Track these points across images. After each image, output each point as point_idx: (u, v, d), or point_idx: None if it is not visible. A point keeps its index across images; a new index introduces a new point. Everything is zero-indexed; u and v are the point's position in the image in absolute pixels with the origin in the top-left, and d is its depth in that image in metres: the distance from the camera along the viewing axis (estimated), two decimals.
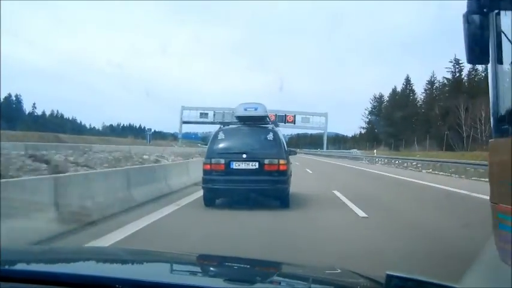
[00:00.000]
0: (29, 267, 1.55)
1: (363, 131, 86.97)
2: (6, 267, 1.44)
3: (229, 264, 1.99)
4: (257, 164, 8.63)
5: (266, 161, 8.64)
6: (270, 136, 8.89)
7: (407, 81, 76.32)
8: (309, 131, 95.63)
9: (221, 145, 8.89)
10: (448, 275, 3.69)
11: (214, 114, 77.18)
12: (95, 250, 3.11)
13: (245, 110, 9.16)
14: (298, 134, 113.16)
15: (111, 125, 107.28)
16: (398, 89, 77.61)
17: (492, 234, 2.16)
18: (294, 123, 68.69)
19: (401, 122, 68.38)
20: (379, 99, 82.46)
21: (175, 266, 1.83)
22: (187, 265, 1.91)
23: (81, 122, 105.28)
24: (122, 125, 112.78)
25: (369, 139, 76.18)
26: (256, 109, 9.16)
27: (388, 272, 1.27)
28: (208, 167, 8.76)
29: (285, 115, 65.92)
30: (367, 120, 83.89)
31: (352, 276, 1.67)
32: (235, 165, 8.65)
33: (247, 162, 8.64)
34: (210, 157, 8.78)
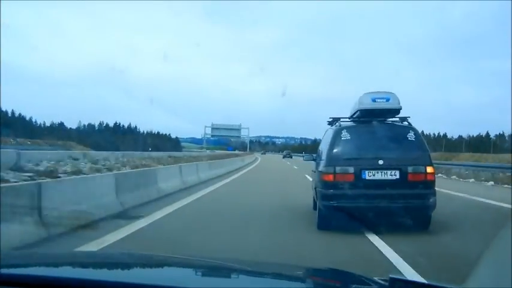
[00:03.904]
0: (23, 271, 1.52)
1: None
2: (1, 271, 1.43)
3: (225, 267, 1.88)
4: (397, 173, 6.41)
5: (409, 169, 6.41)
6: (411, 135, 6.64)
7: None
8: None
9: (347, 148, 6.63)
10: None
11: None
12: (89, 254, 3.11)
13: (373, 101, 6.87)
14: None
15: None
16: None
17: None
18: None
19: None
20: None
21: (169, 269, 1.82)
22: (180, 268, 1.86)
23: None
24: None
25: None
26: (387, 100, 6.88)
27: (391, 275, 1.28)
28: (330, 177, 6.47)
29: None
30: None
31: (356, 279, 1.64)
32: (368, 175, 6.41)
33: (385, 171, 6.41)
34: (333, 164, 6.50)
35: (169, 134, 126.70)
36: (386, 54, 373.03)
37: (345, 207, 6.38)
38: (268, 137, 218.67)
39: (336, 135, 6.70)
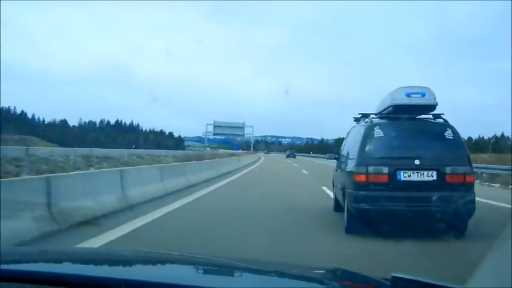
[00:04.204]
0: (26, 267, 1.52)
1: None
2: (3, 266, 1.42)
3: (227, 264, 1.89)
4: (435, 173, 5.94)
5: (448, 170, 5.94)
6: (448, 133, 6.16)
7: None
8: None
9: (381, 146, 6.15)
10: None
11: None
12: (90, 251, 3.07)
13: (408, 96, 6.37)
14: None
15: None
16: None
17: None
18: None
19: None
20: None
21: (171, 267, 1.80)
22: (183, 266, 1.85)
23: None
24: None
25: None
26: (423, 95, 6.39)
27: (394, 274, 1.27)
28: (362, 177, 6.00)
29: None
30: None
31: (358, 278, 1.64)
32: (403, 176, 5.94)
33: (421, 172, 5.94)
34: (366, 163, 6.02)
35: (171, 133, 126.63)
36: (389, 55, 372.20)
37: (378, 210, 5.93)
38: (274, 136, 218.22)
39: (368, 133, 6.21)
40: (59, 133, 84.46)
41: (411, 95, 6.36)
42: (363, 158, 6.08)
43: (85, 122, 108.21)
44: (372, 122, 6.47)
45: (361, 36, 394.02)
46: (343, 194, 6.68)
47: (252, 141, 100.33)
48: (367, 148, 6.13)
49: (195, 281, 1.52)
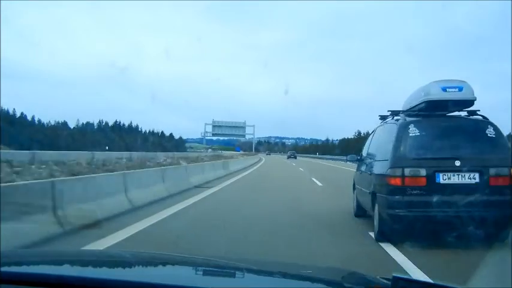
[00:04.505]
0: (29, 269, 1.53)
1: None
2: (6, 269, 1.40)
3: (232, 265, 1.88)
4: (477, 176, 5.42)
5: (492, 171, 5.42)
6: (490, 131, 5.64)
7: None
8: None
9: (417, 146, 5.62)
10: None
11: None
12: (94, 253, 3.08)
13: (444, 90, 5.80)
14: None
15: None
16: None
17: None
18: None
19: None
20: None
21: (175, 268, 1.80)
22: (189, 267, 1.85)
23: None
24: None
25: None
26: (460, 89, 5.83)
27: (394, 274, 1.28)
28: (398, 181, 5.46)
29: None
30: None
31: (358, 278, 1.61)
32: (442, 179, 5.41)
33: (462, 174, 5.41)
34: (401, 165, 5.49)
35: (170, 134, 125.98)
36: (392, 55, 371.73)
37: (415, 216, 5.39)
38: (277, 137, 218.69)
39: (403, 131, 5.66)
40: (59, 135, 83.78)
41: (447, 90, 5.80)
42: (398, 160, 5.54)
43: (83, 124, 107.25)
44: (405, 119, 5.91)
45: (364, 36, 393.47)
46: (373, 199, 6.15)
47: (254, 142, 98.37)
48: (401, 148, 5.59)
49: (199, 283, 1.52)
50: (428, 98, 5.89)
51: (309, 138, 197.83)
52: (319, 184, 16.47)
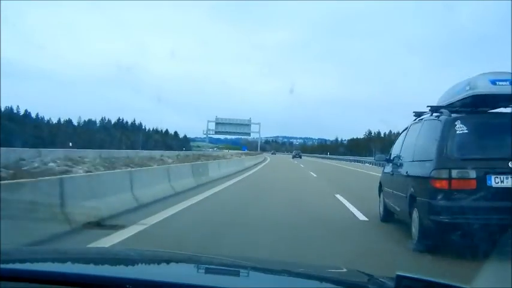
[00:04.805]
0: (34, 267, 1.51)
1: None
2: (10, 266, 1.40)
3: (236, 264, 1.84)
4: None
5: None
6: None
7: None
8: None
9: (465, 145, 5.08)
10: None
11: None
12: (99, 251, 3.07)
13: (493, 84, 5.20)
14: None
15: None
16: None
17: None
18: None
19: None
20: None
21: (179, 266, 1.78)
22: (194, 265, 1.82)
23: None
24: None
25: None
26: (511, 83, 5.33)
27: (398, 273, 1.26)
28: (444, 184, 4.92)
29: None
30: None
31: (362, 277, 1.59)
32: (494, 182, 4.87)
33: None
34: (447, 166, 4.94)
35: (175, 132, 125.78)
36: (395, 55, 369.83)
37: (464, 223, 4.83)
38: (285, 137, 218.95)
39: (449, 129, 5.11)
40: (63, 133, 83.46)
41: (497, 83, 5.22)
42: (444, 160, 4.99)
43: (84, 121, 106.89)
44: (450, 115, 5.35)
45: (369, 36, 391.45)
46: (411, 204, 5.61)
47: (259, 141, 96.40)
48: (448, 147, 5.03)
49: (203, 281, 1.49)
50: (475, 92, 5.30)
51: (316, 138, 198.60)
52: (343, 202, 9.99)
